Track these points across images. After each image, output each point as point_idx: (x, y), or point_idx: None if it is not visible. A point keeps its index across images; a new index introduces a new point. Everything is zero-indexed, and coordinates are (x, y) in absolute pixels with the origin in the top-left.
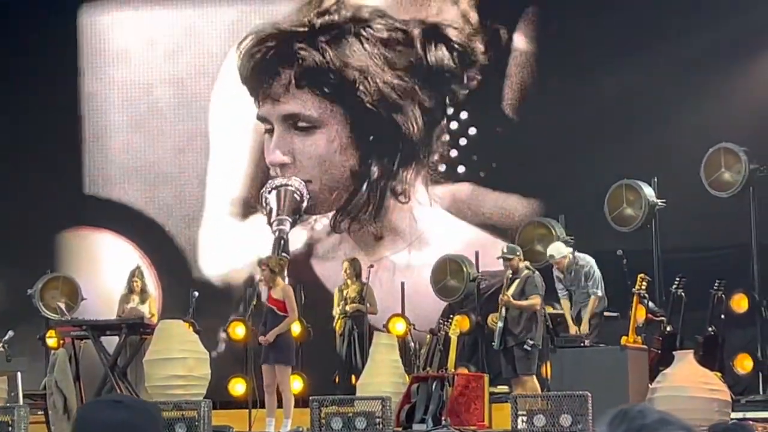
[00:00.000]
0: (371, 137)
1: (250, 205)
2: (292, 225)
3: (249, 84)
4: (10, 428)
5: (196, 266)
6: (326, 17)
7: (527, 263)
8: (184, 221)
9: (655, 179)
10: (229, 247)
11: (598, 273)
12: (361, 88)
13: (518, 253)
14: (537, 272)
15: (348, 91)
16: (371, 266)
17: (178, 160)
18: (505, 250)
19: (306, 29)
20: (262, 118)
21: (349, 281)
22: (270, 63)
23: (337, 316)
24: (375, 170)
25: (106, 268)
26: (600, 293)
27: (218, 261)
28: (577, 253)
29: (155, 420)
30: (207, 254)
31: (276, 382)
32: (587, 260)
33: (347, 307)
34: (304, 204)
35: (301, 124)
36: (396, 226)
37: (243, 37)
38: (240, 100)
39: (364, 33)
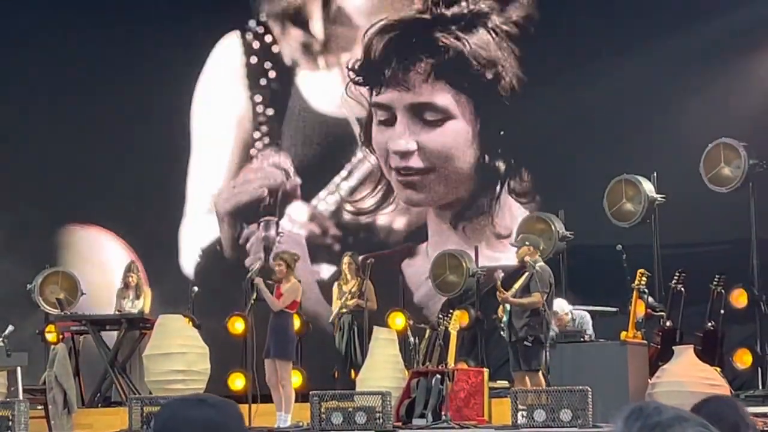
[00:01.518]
0: (501, 132)
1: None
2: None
3: (367, 71)
4: (10, 423)
5: (179, 262)
6: (455, 7)
7: (528, 258)
8: (169, 217)
9: (655, 174)
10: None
11: (588, 320)
12: (500, 82)
13: (527, 244)
14: (544, 267)
15: (482, 84)
16: (370, 261)
17: (162, 156)
18: (517, 239)
19: (429, 17)
20: (379, 105)
21: (348, 276)
22: (399, 50)
23: (335, 311)
24: (501, 166)
25: (104, 263)
26: (587, 336)
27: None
28: (575, 312)
29: (240, 418)
30: (190, 250)
31: (277, 376)
32: (585, 319)
33: (348, 302)
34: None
35: (429, 114)
36: (510, 226)
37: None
38: (223, 94)
39: (492, 24)
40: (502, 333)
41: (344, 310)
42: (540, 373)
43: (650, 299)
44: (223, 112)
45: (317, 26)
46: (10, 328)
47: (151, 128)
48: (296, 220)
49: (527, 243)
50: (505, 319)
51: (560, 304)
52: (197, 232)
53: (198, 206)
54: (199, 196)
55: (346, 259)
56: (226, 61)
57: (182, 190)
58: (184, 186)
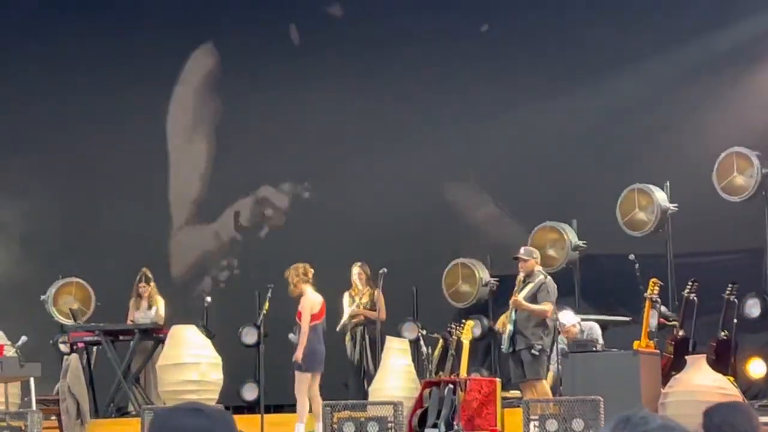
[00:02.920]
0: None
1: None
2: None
3: None
4: None
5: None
6: None
7: (541, 268)
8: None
9: (668, 183)
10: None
11: (597, 330)
12: None
13: (535, 256)
14: (550, 278)
15: None
16: (383, 271)
17: (143, 166)
18: (522, 252)
19: None
20: None
21: (359, 286)
22: None
23: (344, 320)
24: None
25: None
26: (598, 347)
27: (188, 265)
28: (583, 323)
29: (233, 427)
30: (181, 259)
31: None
32: (594, 330)
33: (358, 310)
34: None
35: None
36: None
37: None
38: (197, 105)
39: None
40: (501, 346)
41: (355, 320)
42: (544, 381)
43: (663, 308)
44: (199, 122)
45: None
46: (23, 338)
47: (129, 139)
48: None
49: (534, 256)
50: (510, 328)
51: (567, 316)
52: (188, 242)
53: (183, 216)
54: (181, 205)
55: (356, 269)
56: (201, 72)
57: (165, 201)
58: (167, 196)
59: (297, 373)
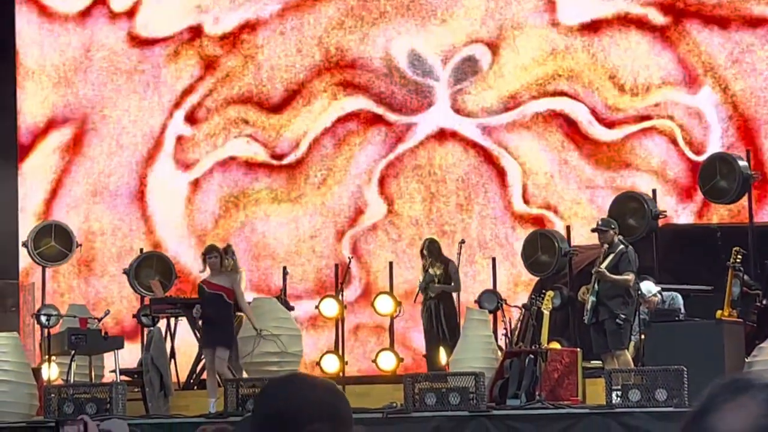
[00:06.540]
0: None
1: None
2: None
3: None
4: (108, 405)
5: None
6: None
7: (621, 237)
8: None
9: (748, 151)
10: None
11: (680, 299)
12: None
13: (613, 227)
14: (631, 247)
15: None
16: (462, 242)
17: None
18: (600, 223)
19: None
20: None
21: (431, 259)
22: None
23: (419, 292)
24: None
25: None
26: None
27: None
28: (665, 293)
29: (343, 398)
30: None
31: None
32: (676, 300)
33: (431, 284)
34: None
35: None
36: None
37: None
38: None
39: None
40: (584, 317)
41: (432, 294)
42: (626, 352)
43: (746, 277)
44: None
45: None
46: (108, 311)
47: None
48: None
49: (612, 226)
50: (592, 299)
51: (647, 286)
52: None
53: None
54: None
55: (425, 244)
56: None
57: None
58: None
59: (222, 350)
